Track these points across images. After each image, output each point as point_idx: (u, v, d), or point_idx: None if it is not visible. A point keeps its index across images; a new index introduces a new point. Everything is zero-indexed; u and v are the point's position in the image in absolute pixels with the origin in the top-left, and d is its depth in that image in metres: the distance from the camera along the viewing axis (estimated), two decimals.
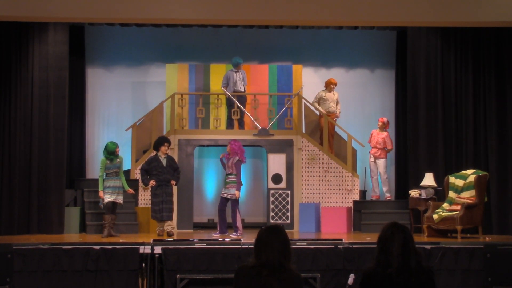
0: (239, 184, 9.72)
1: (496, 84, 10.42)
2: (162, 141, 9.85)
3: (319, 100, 11.50)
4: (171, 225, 9.74)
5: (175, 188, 10.23)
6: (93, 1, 8.48)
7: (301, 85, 11.76)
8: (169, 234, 9.48)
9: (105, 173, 9.39)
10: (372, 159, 11.21)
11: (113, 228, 9.42)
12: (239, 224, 9.73)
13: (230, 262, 7.49)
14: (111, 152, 9.43)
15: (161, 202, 9.57)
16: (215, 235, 9.56)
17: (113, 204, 9.43)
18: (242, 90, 11.46)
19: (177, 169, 9.87)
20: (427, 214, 9.49)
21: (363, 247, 7.78)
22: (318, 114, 11.58)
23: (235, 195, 9.68)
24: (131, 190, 9.61)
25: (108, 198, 9.32)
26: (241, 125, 11.49)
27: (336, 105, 11.61)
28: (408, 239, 3.56)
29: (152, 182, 9.64)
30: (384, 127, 11.25)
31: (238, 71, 11.46)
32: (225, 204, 9.78)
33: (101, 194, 9.36)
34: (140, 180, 10.71)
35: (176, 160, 10.33)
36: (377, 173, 11.26)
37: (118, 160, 9.50)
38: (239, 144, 9.88)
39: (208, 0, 8.57)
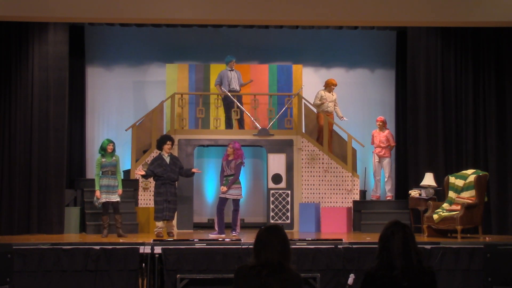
0: (231, 183, 9.75)
1: (496, 84, 10.42)
2: (165, 139, 9.82)
3: (321, 100, 11.49)
4: (172, 225, 9.73)
5: None
6: (93, 1, 8.49)
7: (301, 85, 11.76)
8: (169, 235, 9.46)
9: (101, 172, 9.41)
10: (377, 159, 11.19)
11: (121, 228, 9.40)
12: (239, 223, 9.87)
13: (230, 262, 7.50)
14: (102, 148, 9.45)
15: (165, 201, 9.54)
16: (213, 235, 9.53)
17: (113, 203, 9.42)
18: (238, 90, 11.46)
19: (182, 167, 9.87)
20: (427, 214, 9.49)
21: (363, 247, 7.79)
22: (316, 112, 11.58)
23: (240, 195, 9.80)
24: (120, 191, 9.53)
25: (102, 198, 9.32)
26: (241, 125, 11.49)
27: (335, 106, 11.61)
28: (409, 238, 3.54)
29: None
30: (383, 125, 11.25)
31: (232, 70, 11.46)
32: (225, 204, 9.80)
33: (97, 193, 9.36)
34: (140, 181, 10.74)
35: None
36: (380, 173, 11.25)
37: (113, 158, 9.48)
38: (240, 147, 9.96)
39: (208, 0, 8.57)
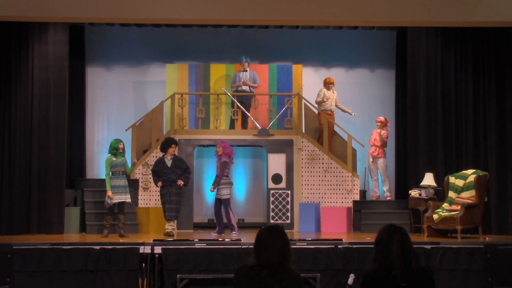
0: (215, 183, 9.85)
1: (496, 84, 10.42)
2: (169, 142, 9.90)
3: (323, 97, 11.48)
4: (172, 225, 9.73)
5: None
6: (93, 1, 8.49)
7: (301, 85, 11.76)
8: (169, 235, 9.47)
9: (111, 172, 9.42)
10: (371, 159, 11.20)
11: (123, 228, 9.44)
12: (234, 222, 9.89)
13: (230, 262, 7.50)
14: (114, 148, 9.48)
15: (166, 202, 9.61)
16: (214, 234, 9.78)
17: (120, 204, 9.43)
18: (247, 90, 11.47)
19: (186, 169, 9.91)
20: (427, 214, 9.49)
21: (363, 247, 7.78)
22: (317, 112, 11.58)
23: (227, 195, 9.87)
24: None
25: (115, 198, 9.34)
26: (244, 125, 11.48)
27: (337, 104, 11.63)
28: (406, 239, 3.58)
29: (159, 184, 9.74)
30: (383, 125, 11.24)
31: (246, 71, 11.48)
32: (220, 205, 9.89)
33: (109, 193, 9.36)
34: (140, 181, 10.76)
35: None
36: (377, 173, 11.24)
37: (123, 158, 9.53)
38: (228, 145, 10.00)
39: (208, 0, 8.57)
